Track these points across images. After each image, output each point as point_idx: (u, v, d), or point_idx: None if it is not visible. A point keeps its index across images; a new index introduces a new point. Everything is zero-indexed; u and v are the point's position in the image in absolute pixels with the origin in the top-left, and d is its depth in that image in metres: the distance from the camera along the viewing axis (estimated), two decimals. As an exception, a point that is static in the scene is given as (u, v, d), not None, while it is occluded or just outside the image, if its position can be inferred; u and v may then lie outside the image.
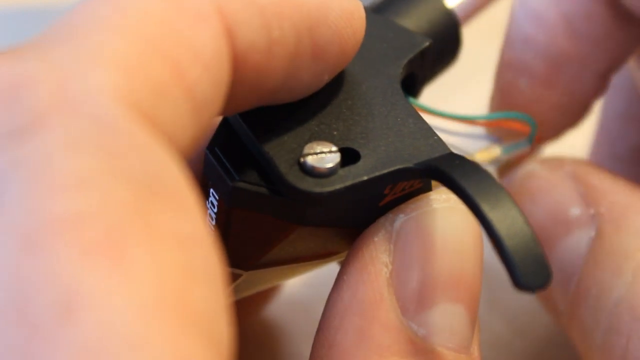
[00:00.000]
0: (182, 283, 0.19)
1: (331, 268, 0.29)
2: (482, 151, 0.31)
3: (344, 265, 0.26)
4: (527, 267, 0.23)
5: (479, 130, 0.30)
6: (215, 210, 0.27)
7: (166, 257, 0.19)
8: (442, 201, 0.26)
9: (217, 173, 0.26)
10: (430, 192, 0.26)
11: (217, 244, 0.21)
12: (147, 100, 0.21)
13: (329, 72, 0.26)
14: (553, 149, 0.36)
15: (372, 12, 0.30)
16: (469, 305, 0.25)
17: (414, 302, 0.25)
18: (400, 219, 0.26)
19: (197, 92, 0.22)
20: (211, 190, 0.27)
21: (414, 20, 0.30)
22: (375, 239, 0.25)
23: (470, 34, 0.33)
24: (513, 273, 0.23)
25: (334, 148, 0.26)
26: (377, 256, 0.25)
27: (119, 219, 0.19)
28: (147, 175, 0.20)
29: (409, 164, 0.25)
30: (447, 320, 0.25)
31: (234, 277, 0.27)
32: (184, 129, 0.22)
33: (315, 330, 0.26)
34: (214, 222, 0.27)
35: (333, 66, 0.26)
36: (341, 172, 0.25)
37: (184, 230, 0.20)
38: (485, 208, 0.24)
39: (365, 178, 0.25)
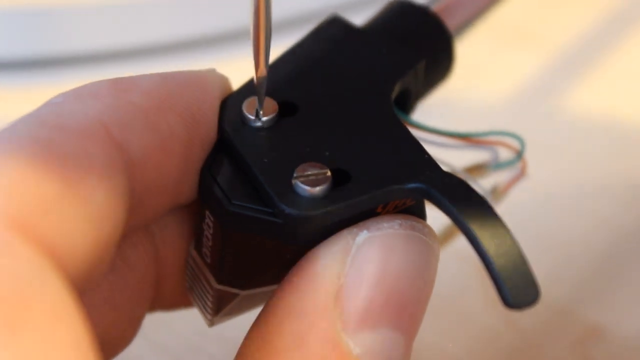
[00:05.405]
0: None
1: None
2: (472, 167, 0.31)
3: (296, 267, 0.26)
4: (516, 285, 0.24)
5: (470, 146, 0.30)
6: (212, 231, 0.27)
7: None
8: (408, 227, 0.26)
9: (211, 195, 0.27)
10: (399, 215, 0.26)
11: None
12: (33, 217, 0.23)
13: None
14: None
15: (364, 29, 0.30)
16: (408, 335, 0.26)
17: (356, 319, 0.25)
18: (364, 235, 0.26)
19: (94, 200, 0.24)
20: (207, 211, 0.27)
21: (406, 36, 0.30)
22: (334, 249, 0.26)
23: (466, 45, 0.33)
24: (501, 291, 0.24)
25: (326, 169, 0.26)
26: (333, 266, 0.26)
27: None
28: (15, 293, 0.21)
29: (399, 184, 0.26)
30: (384, 345, 0.25)
31: (231, 297, 0.28)
32: (83, 236, 0.24)
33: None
34: (210, 243, 0.27)
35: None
36: (332, 193, 0.26)
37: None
38: (473, 226, 0.24)
39: (355, 199, 0.26)
